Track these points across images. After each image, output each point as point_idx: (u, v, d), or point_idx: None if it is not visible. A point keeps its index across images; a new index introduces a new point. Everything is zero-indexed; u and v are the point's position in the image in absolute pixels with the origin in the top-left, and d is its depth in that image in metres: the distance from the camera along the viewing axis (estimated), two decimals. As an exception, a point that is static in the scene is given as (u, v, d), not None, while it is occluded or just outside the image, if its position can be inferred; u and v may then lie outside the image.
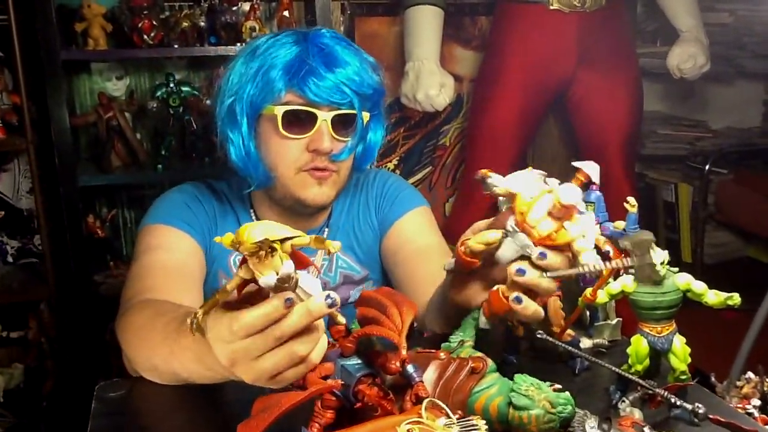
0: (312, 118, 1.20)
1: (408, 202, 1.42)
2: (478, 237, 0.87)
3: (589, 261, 0.79)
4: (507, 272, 0.84)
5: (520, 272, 0.82)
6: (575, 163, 0.84)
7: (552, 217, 0.81)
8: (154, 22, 2.06)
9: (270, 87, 1.20)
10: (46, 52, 1.96)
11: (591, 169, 0.83)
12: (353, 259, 1.41)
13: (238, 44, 2.13)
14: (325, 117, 1.20)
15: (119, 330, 1.10)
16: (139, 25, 2.05)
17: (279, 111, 1.20)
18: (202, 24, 2.11)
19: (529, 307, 0.85)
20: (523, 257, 0.83)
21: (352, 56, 1.24)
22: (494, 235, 0.85)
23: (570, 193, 0.78)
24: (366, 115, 1.26)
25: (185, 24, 2.08)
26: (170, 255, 1.25)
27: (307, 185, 1.25)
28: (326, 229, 1.40)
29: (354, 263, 1.41)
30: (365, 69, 1.25)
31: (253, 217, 1.36)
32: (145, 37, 2.06)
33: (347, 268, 1.40)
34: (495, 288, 0.87)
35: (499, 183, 0.85)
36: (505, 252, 0.84)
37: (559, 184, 0.81)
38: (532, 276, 0.82)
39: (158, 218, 1.31)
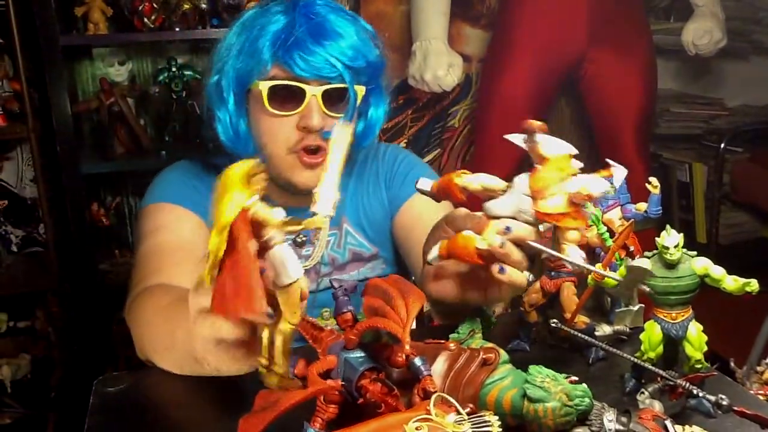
0: (300, 94, 1.13)
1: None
2: (479, 177, 0.83)
3: (574, 256, 0.78)
4: (486, 228, 0.82)
5: (508, 230, 0.80)
6: (609, 161, 0.85)
7: (567, 200, 0.77)
8: (155, 5, 2.03)
9: (256, 61, 1.13)
10: (45, 37, 1.92)
11: (619, 172, 0.85)
12: (363, 236, 1.35)
13: (241, 26, 2.08)
14: (314, 92, 1.13)
15: (134, 312, 1.07)
16: (140, 8, 2.02)
17: (264, 87, 1.13)
18: (204, 6, 2.07)
19: (515, 277, 0.83)
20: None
21: (347, 26, 1.15)
22: (496, 182, 0.82)
23: (600, 185, 0.77)
24: (361, 89, 1.17)
25: (186, 6, 2.04)
26: (174, 235, 1.21)
27: (297, 168, 1.18)
28: None
29: (363, 240, 1.35)
30: (361, 40, 1.17)
31: None
32: (146, 20, 2.02)
33: (357, 245, 1.35)
34: (465, 233, 0.84)
35: (543, 143, 0.81)
36: (498, 205, 0.82)
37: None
38: (517, 232, 0.80)
39: (158, 197, 1.28)
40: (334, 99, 1.15)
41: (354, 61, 1.14)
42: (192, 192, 1.27)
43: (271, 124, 1.17)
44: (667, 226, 0.84)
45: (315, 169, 1.18)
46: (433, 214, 1.29)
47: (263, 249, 0.65)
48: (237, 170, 0.64)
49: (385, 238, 1.37)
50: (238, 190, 0.64)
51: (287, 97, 1.14)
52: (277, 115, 1.15)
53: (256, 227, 0.65)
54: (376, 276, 1.33)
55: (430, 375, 0.71)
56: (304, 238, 1.31)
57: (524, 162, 2.61)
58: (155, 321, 1.01)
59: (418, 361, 0.71)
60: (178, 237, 1.21)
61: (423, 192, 0.89)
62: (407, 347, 0.69)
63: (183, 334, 0.92)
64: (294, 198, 1.27)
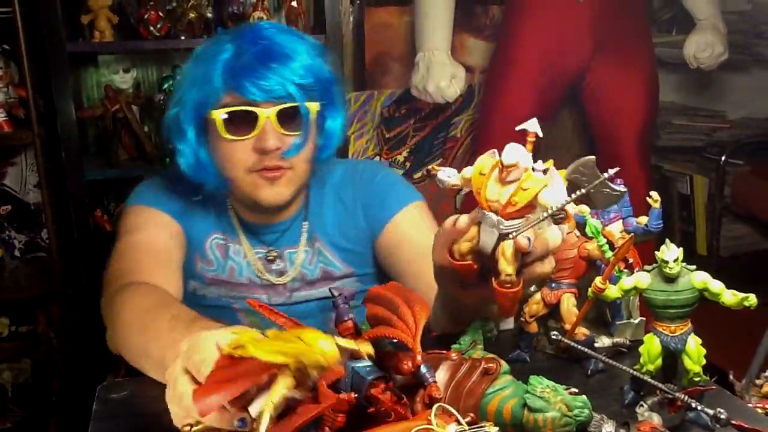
0: (253, 117, 1.15)
1: (401, 198, 1.34)
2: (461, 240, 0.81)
3: (548, 199, 0.73)
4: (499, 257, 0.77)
5: (528, 241, 0.74)
6: (519, 127, 0.79)
7: (507, 184, 0.75)
8: (161, 14, 2.04)
9: (209, 90, 1.16)
10: (51, 44, 1.94)
11: (531, 125, 0.79)
12: (335, 255, 1.35)
13: (246, 35, 2.10)
14: (267, 114, 1.15)
15: (115, 307, 1.09)
16: (146, 16, 2.03)
17: (218, 115, 1.16)
18: (209, 15, 2.09)
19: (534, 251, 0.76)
20: (502, 237, 0.76)
21: (295, 46, 1.18)
22: (466, 223, 0.79)
23: (509, 152, 0.73)
24: (314, 105, 1.19)
25: (192, 15, 2.05)
26: (155, 237, 1.25)
27: (259, 186, 1.21)
28: (305, 224, 1.34)
29: (335, 259, 1.35)
30: (310, 57, 1.18)
31: (230, 207, 1.33)
32: (152, 28, 2.03)
33: (327, 263, 1.35)
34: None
35: (451, 175, 0.81)
36: (485, 239, 0.77)
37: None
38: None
39: (142, 200, 1.31)
40: (288, 118, 1.17)
41: (304, 79, 1.16)
42: (175, 199, 1.31)
43: (229, 150, 1.19)
44: (667, 240, 0.84)
45: (275, 184, 1.21)
46: (419, 233, 1.28)
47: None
48: (324, 351, 0.64)
49: (361, 258, 1.36)
50: (297, 363, 0.64)
51: (242, 122, 1.16)
52: (234, 140, 1.17)
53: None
54: None
55: (436, 382, 0.72)
56: (275, 254, 1.33)
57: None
58: (134, 324, 1.03)
59: (423, 368, 0.72)
60: (158, 239, 1.25)
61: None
62: (419, 357, 0.69)
63: (155, 349, 0.94)
64: (267, 215, 1.30)
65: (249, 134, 1.16)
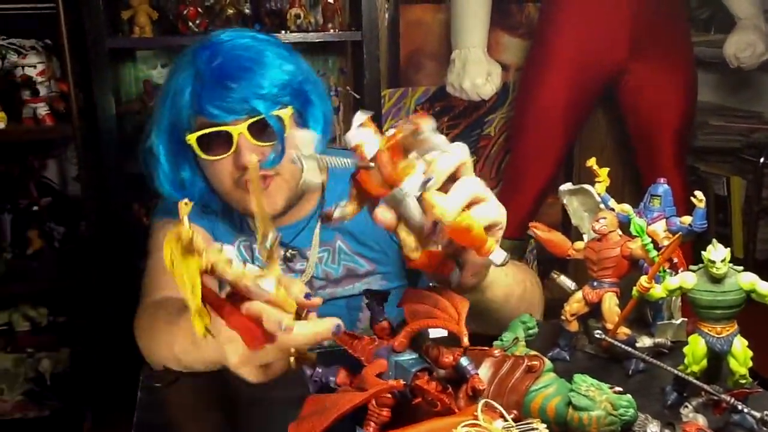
0: (227, 136, 1.14)
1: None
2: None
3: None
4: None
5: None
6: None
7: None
8: (199, 9, 2.07)
9: (180, 118, 1.16)
10: (93, 40, 1.98)
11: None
12: (358, 253, 1.33)
13: (283, 31, 2.11)
14: (239, 130, 1.13)
15: (140, 327, 1.14)
16: (185, 12, 2.06)
17: (193, 139, 1.16)
18: (247, 11, 2.11)
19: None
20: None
21: (254, 54, 1.15)
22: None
23: (354, 133, 0.73)
24: (285, 112, 1.15)
25: (230, 11, 2.08)
26: None
27: (248, 197, 1.16)
28: (319, 222, 1.31)
29: (358, 257, 1.33)
30: (269, 65, 1.15)
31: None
32: (191, 24, 2.06)
33: (351, 261, 1.32)
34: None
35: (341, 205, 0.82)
36: (410, 213, 0.77)
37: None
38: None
39: (166, 213, 1.32)
40: (261, 130, 1.15)
41: (267, 89, 1.13)
42: (196, 206, 1.28)
43: (211, 169, 1.19)
44: (714, 240, 0.84)
45: (265, 193, 1.19)
46: None
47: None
48: (175, 244, 0.64)
49: (384, 254, 1.33)
50: (187, 264, 0.64)
51: (217, 143, 1.15)
52: (213, 160, 1.17)
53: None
54: None
55: (478, 374, 0.72)
56: (294, 252, 1.31)
57: (559, 172, 2.62)
58: (158, 337, 1.07)
59: (464, 361, 0.72)
60: None
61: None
62: (465, 340, 0.69)
63: (180, 348, 0.98)
64: (281, 216, 1.26)
65: (226, 152, 1.15)
